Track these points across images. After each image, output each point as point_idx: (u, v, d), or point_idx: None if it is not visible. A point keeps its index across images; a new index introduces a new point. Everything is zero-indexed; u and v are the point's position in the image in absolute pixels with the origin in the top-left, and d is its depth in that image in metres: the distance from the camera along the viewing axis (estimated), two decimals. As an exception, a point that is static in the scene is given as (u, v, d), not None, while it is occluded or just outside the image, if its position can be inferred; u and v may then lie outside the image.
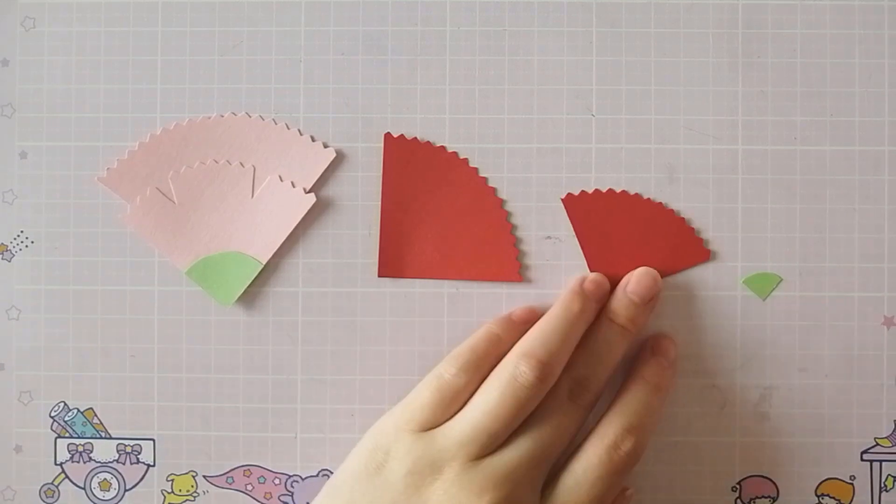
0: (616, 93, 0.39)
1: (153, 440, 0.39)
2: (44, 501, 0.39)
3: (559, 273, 0.38)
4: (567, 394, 0.35)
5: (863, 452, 0.38)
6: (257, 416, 0.39)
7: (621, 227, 0.38)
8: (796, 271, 0.38)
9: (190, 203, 0.39)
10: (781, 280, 0.38)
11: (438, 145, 0.39)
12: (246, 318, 0.39)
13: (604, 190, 0.38)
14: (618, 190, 0.38)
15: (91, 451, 0.39)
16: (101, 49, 0.39)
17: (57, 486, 0.39)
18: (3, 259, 0.39)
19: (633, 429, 0.34)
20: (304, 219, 0.39)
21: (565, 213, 0.39)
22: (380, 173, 0.39)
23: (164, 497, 0.39)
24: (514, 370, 0.34)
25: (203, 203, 0.39)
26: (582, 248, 0.38)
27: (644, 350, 0.37)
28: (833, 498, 0.38)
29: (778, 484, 0.38)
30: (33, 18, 0.39)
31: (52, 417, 0.39)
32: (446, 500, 0.32)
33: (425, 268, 0.39)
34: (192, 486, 0.39)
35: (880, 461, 0.38)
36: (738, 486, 0.38)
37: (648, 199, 0.38)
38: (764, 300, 0.38)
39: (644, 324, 0.37)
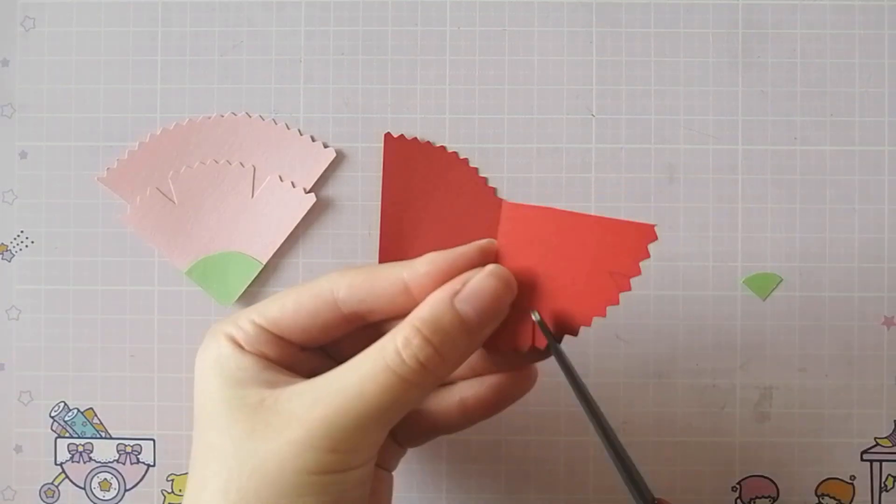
0: (616, 93, 0.39)
1: (153, 440, 0.39)
2: (44, 501, 0.39)
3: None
4: None
5: (863, 452, 0.38)
6: (257, 416, 0.39)
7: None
8: (796, 271, 0.38)
9: (190, 203, 0.39)
10: (781, 280, 0.38)
11: (438, 145, 0.39)
12: (246, 318, 0.39)
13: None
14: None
15: (91, 451, 0.39)
16: (101, 49, 0.39)
17: (57, 486, 0.39)
18: (3, 259, 0.39)
19: None
20: (304, 219, 0.39)
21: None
22: (380, 173, 0.39)
23: (164, 497, 0.39)
24: None
25: (203, 203, 0.39)
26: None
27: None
28: (833, 498, 0.38)
29: (778, 484, 0.38)
30: (33, 18, 0.39)
31: (52, 417, 0.39)
32: None
33: (425, 268, 0.39)
34: (192, 486, 0.39)
35: (880, 461, 0.38)
36: (738, 486, 0.38)
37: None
38: (764, 300, 0.38)
39: None
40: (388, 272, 0.28)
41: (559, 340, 0.28)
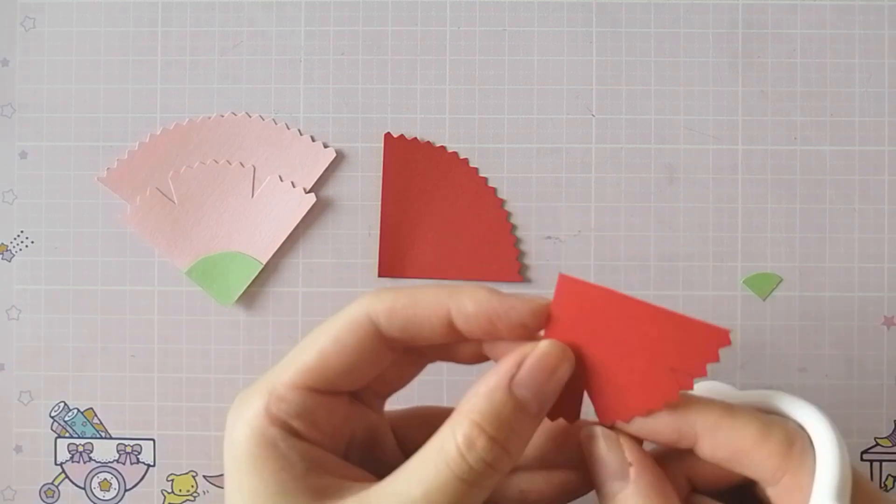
0: (616, 93, 0.39)
1: (153, 440, 0.39)
2: (44, 501, 0.39)
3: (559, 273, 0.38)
4: None
5: (863, 452, 0.38)
6: (257, 416, 0.39)
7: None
8: (796, 271, 0.38)
9: (190, 203, 0.39)
10: (781, 280, 0.38)
11: (438, 145, 0.39)
12: (246, 318, 0.39)
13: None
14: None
15: (91, 451, 0.39)
16: (101, 49, 0.39)
17: (57, 486, 0.39)
18: (3, 259, 0.39)
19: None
20: (304, 219, 0.39)
21: (565, 213, 0.39)
22: (380, 173, 0.39)
23: (164, 497, 0.39)
24: None
25: (203, 203, 0.39)
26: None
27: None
28: (833, 498, 0.38)
29: (778, 484, 0.38)
30: (33, 18, 0.39)
31: (52, 417, 0.39)
32: None
33: (425, 268, 0.39)
34: (192, 486, 0.39)
35: (880, 461, 0.38)
36: (738, 486, 0.38)
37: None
38: (764, 300, 0.38)
39: None
40: (431, 299, 0.25)
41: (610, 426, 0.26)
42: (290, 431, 0.25)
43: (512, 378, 0.24)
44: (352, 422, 0.27)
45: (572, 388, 0.25)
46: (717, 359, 0.24)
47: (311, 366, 0.25)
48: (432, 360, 0.28)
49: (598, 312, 0.25)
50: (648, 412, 0.25)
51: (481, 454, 0.23)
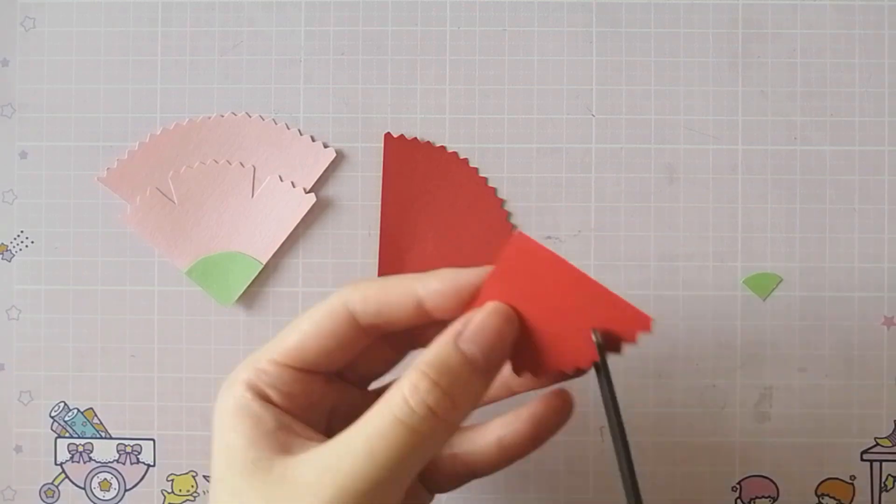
0: (616, 93, 0.39)
1: (153, 440, 0.39)
2: (44, 501, 0.39)
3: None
4: None
5: (863, 452, 0.38)
6: (257, 416, 0.39)
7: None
8: (796, 271, 0.38)
9: (190, 203, 0.39)
10: (781, 280, 0.38)
11: (438, 145, 0.39)
12: (246, 318, 0.39)
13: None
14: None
15: (91, 451, 0.39)
16: (101, 49, 0.39)
17: (57, 486, 0.39)
18: (3, 259, 0.39)
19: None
20: (304, 219, 0.39)
21: (565, 213, 0.39)
22: (380, 173, 0.39)
23: (164, 497, 0.39)
24: None
25: (203, 203, 0.39)
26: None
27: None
28: (833, 498, 0.38)
29: (778, 484, 0.38)
30: (33, 18, 0.39)
31: (52, 417, 0.39)
32: None
33: (425, 268, 0.38)
34: (192, 486, 0.39)
35: (880, 461, 0.38)
36: (738, 486, 0.38)
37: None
38: (764, 300, 0.38)
39: None
40: (401, 284, 0.27)
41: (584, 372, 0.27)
42: (267, 399, 0.27)
43: (459, 335, 0.26)
44: (330, 399, 0.28)
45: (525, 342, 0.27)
46: (635, 341, 0.26)
47: (291, 346, 0.27)
48: (414, 347, 0.30)
49: (540, 274, 0.26)
50: (558, 372, 0.27)
51: (423, 396, 0.24)
